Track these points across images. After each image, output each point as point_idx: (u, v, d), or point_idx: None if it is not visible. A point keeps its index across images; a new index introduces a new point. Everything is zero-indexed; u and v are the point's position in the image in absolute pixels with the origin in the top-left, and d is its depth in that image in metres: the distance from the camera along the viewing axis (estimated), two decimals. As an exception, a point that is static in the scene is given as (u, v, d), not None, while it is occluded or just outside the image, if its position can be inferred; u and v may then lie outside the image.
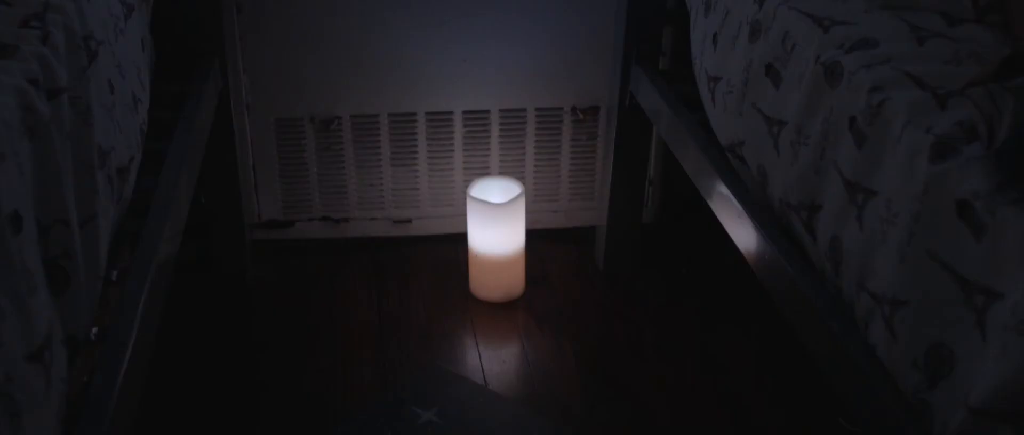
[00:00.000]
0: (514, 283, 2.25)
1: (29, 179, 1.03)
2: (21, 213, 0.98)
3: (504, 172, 2.40)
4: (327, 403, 1.92)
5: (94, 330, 1.20)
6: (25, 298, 0.94)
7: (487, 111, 2.34)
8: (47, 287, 1.03)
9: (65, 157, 1.13)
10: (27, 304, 0.94)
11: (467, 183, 2.29)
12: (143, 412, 1.28)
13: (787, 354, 2.06)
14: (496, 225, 2.17)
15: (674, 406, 1.93)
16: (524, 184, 2.26)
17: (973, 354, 0.94)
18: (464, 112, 2.34)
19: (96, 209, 1.19)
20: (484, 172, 2.40)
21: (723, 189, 1.57)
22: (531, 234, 2.29)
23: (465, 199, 2.22)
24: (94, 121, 1.23)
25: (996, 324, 0.91)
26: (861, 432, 1.67)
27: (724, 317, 2.20)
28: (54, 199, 1.08)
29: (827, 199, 1.25)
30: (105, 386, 1.13)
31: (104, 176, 1.26)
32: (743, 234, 1.49)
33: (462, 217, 2.27)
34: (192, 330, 2.13)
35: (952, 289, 0.97)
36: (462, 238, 2.28)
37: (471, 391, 1.96)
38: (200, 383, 1.99)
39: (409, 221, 2.47)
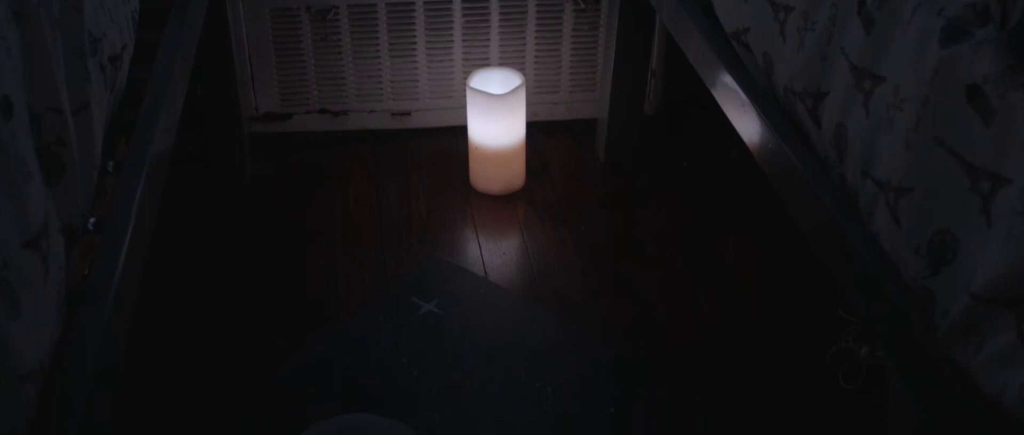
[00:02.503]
0: (514, 175, 2.24)
1: (19, 65, 1.01)
2: (12, 99, 0.96)
3: (504, 63, 2.36)
4: (327, 296, 1.93)
5: (91, 220, 1.19)
6: (19, 185, 0.93)
7: (487, -1, 2.29)
8: (42, 175, 1.02)
9: (55, 43, 1.11)
10: (21, 191, 0.93)
11: (467, 74, 2.26)
12: (142, 306, 1.29)
13: (788, 247, 2.06)
14: (496, 117, 2.14)
15: (673, 299, 1.94)
16: (524, 75, 2.23)
17: (977, 240, 0.93)
18: (463, 0, 2.29)
19: (89, 97, 1.17)
20: (484, 63, 2.36)
21: (727, 78, 1.54)
22: (531, 126, 2.27)
23: (465, 90, 2.20)
24: (83, 7, 1.20)
25: (1002, 210, 0.90)
26: (860, 322, 1.68)
27: (725, 210, 2.20)
28: (45, 86, 1.06)
29: (833, 86, 1.22)
30: (104, 276, 1.13)
31: (96, 64, 1.24)
32: (747, 123, 1.47)
33: (462, 109, 2.25)
34: (191, 225, 2.12)
35: (958, 175, 0.96)
36: (462, 130, 2.26)
37: (471, 283, 1.96)
38: (200, 277, 1.99)
39: (408, 113, 2.45)
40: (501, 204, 2.22)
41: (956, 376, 0.95)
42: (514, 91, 2.14)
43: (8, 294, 0.86)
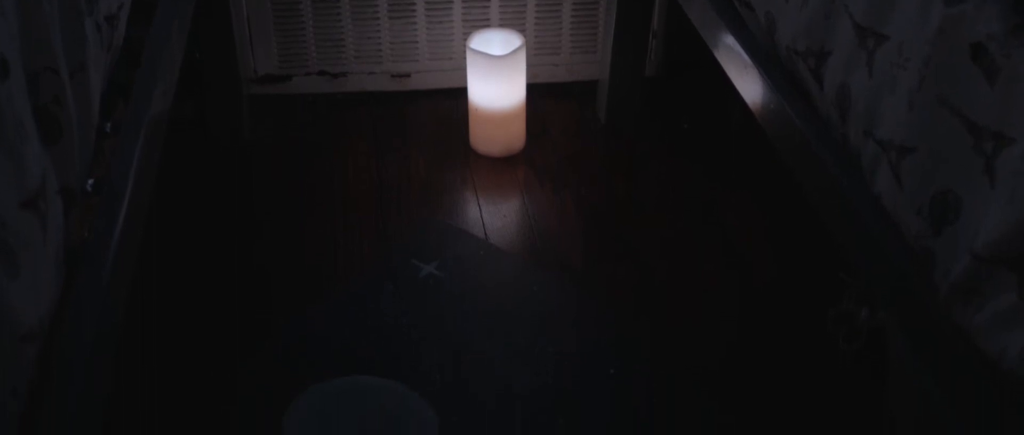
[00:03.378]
0: (515, 137, 2.23)
1: (14, 24, 1.00)
2: (7, 58, 0.95)
3: (504, 24, 2.35)
4: (327, 258, 1.93)
5: (90, 182, 1.18)
6: (16, 145, 0.92)
7: (487, -40, 2.27)
8: (39, 136, 1.01)
9: (51, 2, 1.09)
10: (18, 151, 0.92)
11: (467, 35, 2.24)
12: (142, 270, 1.28)
13: (789, 209, 2.06)
14: (496, 78, 2.13)
15: (674, 261, 1.94)
16: (525, 36, 2.21)
17: (980, 200, 0.93)
18: (463, -39, 2.27)
19: (86, 57, 1.16)
20: (484, 24, 2.35)
21: (729, 38, 1.53)
22: (532, 88, 2.26)
23: (465, 52, 2.18)
24: (79, -35, 1.19)
25: (1006, 169, 0.89)
26: (861, 283, 1.68)
27: (727, 172, 2.19)
28: (41, 46, 1.05)
29: (836, 45, 1.21)
30: (103, 237, 1.13)
31: (92, 23, 1.22)
32: (749, 84, 1.46)
33: (462, 70, 2.23)
34: (190, 189, 2.12)
35: (962, 135, 0.95)
36: (462, 92, 2.25)
37: (472, 245, 1.96)
38: (199, 241, 1.99)
39: (408, 75, 2.43)
40: (501, 166, 2.21)
41: (957, 337, 0.95)
42: (514, 52, 2.13)
43: (6, 254, 0.85)
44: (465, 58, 2.18)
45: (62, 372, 0.95)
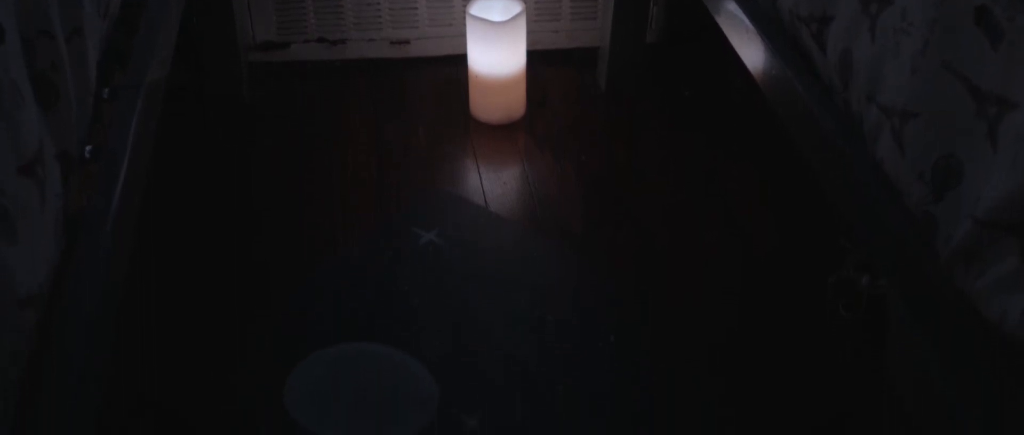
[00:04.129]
0: (515, 105, 2.22)
1: (9, -11, 0.99)
2: (3, 24, 0.94)
3: (504, -10, 2.33)
4: (327, 226, 1.93)
5: (88, 148, 1.18)
6: (12, 110, 0.92)
7: (486, -75, 2.25)
8: (35, 101, 1.00)
9: (46, -34, 1.08)
10: (15, 116, 0.92)
11: (466, 1, 2.23)
12: (142, 237, 1.28)
13: (790, 176, 2.06)
14: (496, 44, 2.12)
15: (674, 228, 1.94)
16: (525, 2, 2.20)
17: (982, 166, 0.92)
18: (463, -74, 2.26)
19: (82, 21, 1.15)
20: (484, -10, 2.33)
21: (731, 4, 1.52)
22: (532, 55, 2.24)
23: (465, 18, 2.17)
24: (75, -72, 1.17)
25: (1009, 134, 0.89)
26: (862, 250, 1.68)
27: (727, 140, 2.18)
28: (36, 10, 1.04)
29: (839, 10, 1.20)
30: (102, 203, 1.12)
31: (88, -12, 1.21)
32: (751, 50, 1.45)
33: (462, 37, 2.22)
34: (190, 156, 2.11)
35: (965, 99, 0.95)
36: (462, 59, 2.24)
37: (472, 212, 1.96)
38: (199, 209, 1.99)
39: (407, 42, 2.42)
40: (501, 134, 2.20)
41: (957, 302, 0.95)
42: (514, 18, 2.12)
43: (5, 219, 0.85)
44: (465, 24, 2.16)
45: (62, 338, 0.95)
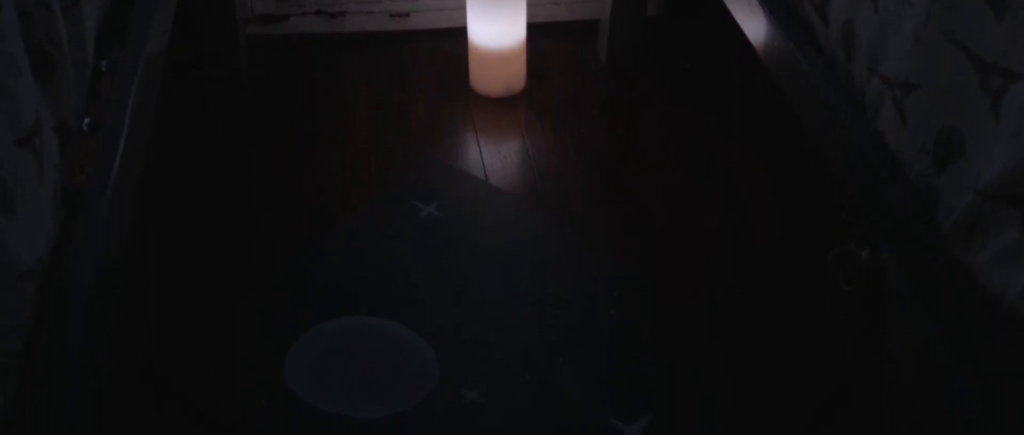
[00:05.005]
0: (515, 78, 2.21)
1: (5, -41, 0.98)
2: (-2, -6, 0.94)
3: (504, -37, 2.31)
4: (327, 199, 1.93)
5: (86, 121, 1.17)
6: (9, 82, 0.91)
7: None
8: (32, 73, 1.00)
9: (41, -64, 1.07)
10: (12, 88, 0.91)
11: (466, -26, 2.21)
12: (142, 210, 1.28)
13: (791, 150, 2.05)
14: (497, 17, 2.11)
15: (674, 202, 1.93)
16: (525, -25, 2.18)
17: (985, 137, 0.92)
18: (462, -103, 2.23)
19: (79, -7, 1.15)
20: (483, -37, 2.31)
21: (732, -25, 1.51)
22: (532, 28, 2.23)
23: (464, -9, 2.16)
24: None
25: (1012, 106, 0.88)
26: (863, 223, 1.68)
27: (728, 114, 2.17)
28: (33, -20, 1.03)
29: (841, -19, 1.20)
30: (101, 176, 1.12)
31: (85, -41, 1.20)
32: (753, 22, 1.44)
33: (462, 9, 2.21)
34: (189, 130, 2.10)
35: (968, 71, 0.94)
36: (462, 32, 2.22)
37: (472, 186, 1.95)
38: (199, 182, 1.98)
39: (407, 14, 2.40)
40: (501, 107, 2.19)
41: (957, 275, 0.95)
42: (514, -9, 2.10)
43: (2, 192, 0.85)
44: (465, -3, 2.15)
45: (62, 312, 0.95)
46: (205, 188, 1.96)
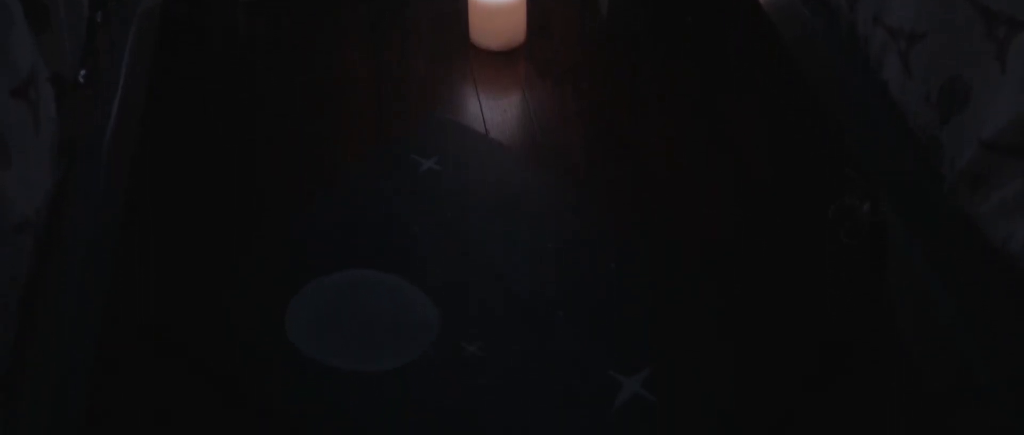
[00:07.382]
0: (515, 32, 2.19)
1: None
2: (-10, -58, 0.92)
3: (504, -86, 2.28)
4: (327, 155, 1.92)
5: (82, 73, 1.17)
6: (3, 31, 0.90)
7: None
8: (26, 23, 0.98)
9: None
10: (6, 37, 0.90)
11: (465, -75, 2.19)
12: (140, 167, 1.27)
13: (793, 106, 2.03)
14: (496, -30, 2.09)
15: (675, 157, 1.92)
16: (525, -74, 2.16)
17: (990, 87, 0.91)
18: None
19: (72, -58, 1.13)
20: (483, -86, 2.28)
21: (735, -75, 1.49)
22: (533, -20, 2.21)
23: (464, -58, 2.13)
24: None
25: (1018, 56, 0.87)
26: (866, 177, 1.67)
27: (730, 70, 2.16)
28: (25, -70, 1.02)
29: (846, -70, 1.18)
30: (98, 127, 1.11)
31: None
32: (754, -28, 1.43)
33: (461, -38, 2.18)
34: (186, 88, 2.09)
35: (974, 20, 0.93)
36: (461, -16, 2.20)
37: (472, 140, 1.94)
38: (196, 138, 1.97)
39: (406, -33, 2.38)
40: (502, 61, 2.18)
41: (958, 226, 0.94)
42: (515, -57, 2.08)
43: (-2, 143, 0.84)
44: (464, -51, 2.13)
45: (60, 264, 0.94)
46: (203, 142, 1.95)
